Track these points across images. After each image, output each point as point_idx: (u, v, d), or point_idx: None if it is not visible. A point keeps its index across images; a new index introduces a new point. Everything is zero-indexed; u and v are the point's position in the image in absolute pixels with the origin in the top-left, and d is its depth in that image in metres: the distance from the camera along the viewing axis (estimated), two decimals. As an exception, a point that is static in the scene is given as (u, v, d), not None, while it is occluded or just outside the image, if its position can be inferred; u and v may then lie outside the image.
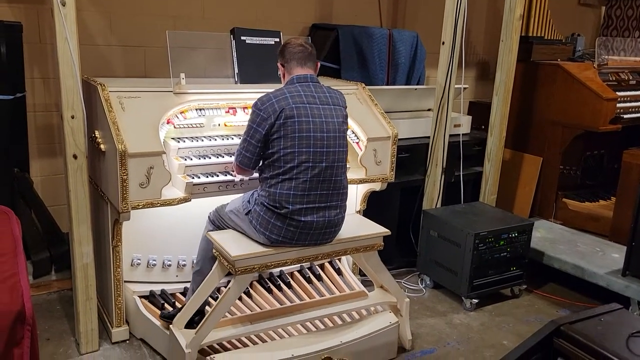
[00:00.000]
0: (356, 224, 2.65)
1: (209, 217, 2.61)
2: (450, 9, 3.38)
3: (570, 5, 5.42)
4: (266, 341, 2.53)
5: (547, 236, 3.76)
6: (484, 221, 3.32)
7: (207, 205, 2.66)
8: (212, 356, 2.32)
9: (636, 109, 4.10)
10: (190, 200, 2.50)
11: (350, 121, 2.70)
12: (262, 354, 2.38)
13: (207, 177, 2.59)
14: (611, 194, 4.34)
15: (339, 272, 3.12)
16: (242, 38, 2.86)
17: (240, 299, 2.79)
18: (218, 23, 3.55)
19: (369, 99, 3.15)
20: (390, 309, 2.77)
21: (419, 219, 3.58)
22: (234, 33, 2.85)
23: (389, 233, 2.62)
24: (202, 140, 2.71)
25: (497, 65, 3.71)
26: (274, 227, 2.32)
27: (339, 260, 3.17)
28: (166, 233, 2.79)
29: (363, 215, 3.02)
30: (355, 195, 3.12)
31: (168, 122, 2.63)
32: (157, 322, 2.59)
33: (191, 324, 2.47)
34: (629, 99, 4.10)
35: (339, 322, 2.73)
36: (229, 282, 2.38)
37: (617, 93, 3.92)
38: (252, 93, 2.82)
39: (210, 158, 2.66)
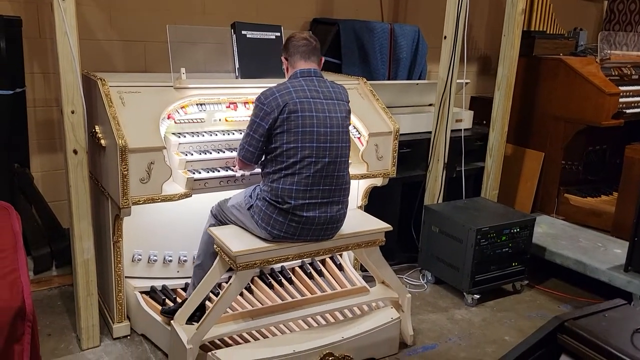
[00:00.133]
0: (358, 220, 2.64)
1: (211, 211, 2.60)
2: (452, 3, 3.36)
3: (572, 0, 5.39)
4: (267, 337, 2.53)
5: (548, 231, 3.75)
6: (486, 216, 3.31)
7: (208, 200, 2.66)
8: (213, 352, 2.31)
9: (638, 104, 4.08)
10: (191, 196, 2.50)
11: (351, 116, 2.69)
12: (264, 349, 2.38)
13: (208, 172, 2.58)
14: (613, 189, 4.32)
15: (340, 267, 3.11)
16: (243, 32, 2.85)
17: (241, 294, 2.78)
18: (218, 17, 3.53)
19: (371, 94, 3.13)
20: (392, 304, 2.76)
21: (420, 215, 3.57)
22: (234, 27, 2.84)
23: (391, 229, 2.61)
24: (203, 136, 2.69)
25: (499, 60, 3.69)
26: (276, 222, 2.31)
27: (340, 255, 3.16)
28: (167, 229, 2.78)
29: (364, 211, 3.01)
30: (357, 191, 3.11)
31: (169, 117, 2.61)
32: (158, 318, 2.59)
33: (192, 319, 2.47)
34: (631, 93, 4.08)
35: (341, 317, 2.72)
36: (230, 277, 2.37)
37: (620, 88, 3.90)
38: (253, 88, 2.81)
39: (211, 153, 2.65)
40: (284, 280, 2.97)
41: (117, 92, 2.50)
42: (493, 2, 4.84)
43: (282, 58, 2.49)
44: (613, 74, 4.14)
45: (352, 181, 2.54)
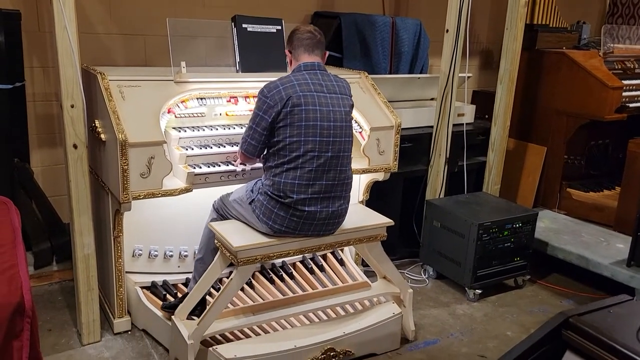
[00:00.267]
0: (359, 215, 2.63)
1: (213, 205, 2.59)
2: (454, -4, 3.33)
3: (575, -7, 5.36)
4: (269, 332, 2.52)
5: (551, 226, 3.74)
6: (488, 211, 3.30)
7: (208, 195, 2.64)
8: (214, 347, 2.30)
9: (642, 98, 4.06)
10: (191, 191, 2.48)
11: (353, 110, 2.67)
12: (265, 345, 2.37)
13: (209, 167, 2.56)
14: (616, 184, 4.31)
15: (341, 262, 3.10)
16: (244, 26, 2.82)
17: (242, 289, 2.77)
18: (219, 10, 3.51)
19: (372, 88, 3.11)
20: (394, 299, 2.75)
21: (422, 209, 3.55)
22: (235, 21, 2.81)
23: (393, 223, 2.60)
24: (204, 130, 2.68)
25: (501, 54, 3.67)
26: (277, 216, 2.29)
27: (342, 250, 3.15)
28: (168, 224, 2.77)
29: (366, 206, 2.99)
30: (358, 185, 3.09)
31: (169, 112, 2.60)
32: (159, 313, 2.58)
33: (193, 314, 2.46)
34: (634, 87, 4.06)
35: (342, 313, 2.71)
36: (231, 272, 2.36)
37: (623, 81, 3.87)
38: (254, 82, 2.79)
39: (211, 148, 2.63)
40: (285, 275, 2.96)
41: (117, 86, 2.48)
42: (495, -5, 4.81)
43: (286, 51, 2.47)
44: (616, 67, 4.11)
45: (353, 176, 2.52)
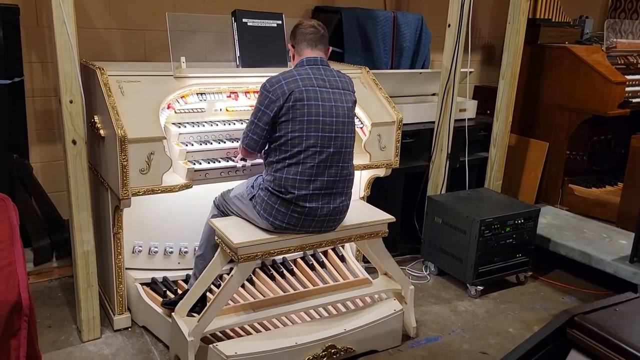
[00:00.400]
0: (360, 211, 2.61)
1: (213, 202, 2.58)
2: (456, -9, 3.30)
3: (578, -13, 5.31)
4: (269, 329, 2.51)
5: (553, 222, 3.72)
6: (490, 207, 3.28)
7: (208, 191, 2.63)
8: (214, 344, 2.29)
9: (645, 93, 4.03)
10: (191, 187, 2.46)
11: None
12: (265, 342, 2.36)
13: (209, 163, 2.54)
14: (618, 180, 4.28)
15: (342, 259, 3.08)
16: (244, 20, 2.79)
17: (242, 286, 2.75)
18: (219, 5, 3.48)
19: (373, 83, 3.09)
20: (395, 296, 2.74)
21: (423, 205, 3.53)
22: (235, 15, 2.79)
23: (394, 220, 2.58)
24: (204, 126, 2.66)
25: (503, 48, 3.64)
26: (278, 212, 2.28)
27: (342, 247, 3.13)
28: (167, 220, 2.76)
29: (367, 202, 2.98)
30: (359, 181, 3.07)
31: (168, 107, 2.57)
32: (159, 310, 2.56)
33: (193, 311, 2.45)
34: (637, 82, 4.02)
35: (343, 309, 2.70)
36: (231, 269, 2.34)
37: (626, 77, 3.84)
38: (254, 77, 2.77)
39: (211, 144, 2.62)
40: (285, 272, 2.95)
41: (116, 82, 2.46)
42: (497, -11, 4.77)
43: (289, 45, 2.46)
44: (619, 62, 4.08)
45: (354, 172, 2.50)
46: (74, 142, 2.38)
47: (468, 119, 3.68)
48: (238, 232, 2.31)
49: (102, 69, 2.45)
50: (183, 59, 2.62)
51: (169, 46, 2.60)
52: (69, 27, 2.25)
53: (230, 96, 2.75)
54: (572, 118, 3.99)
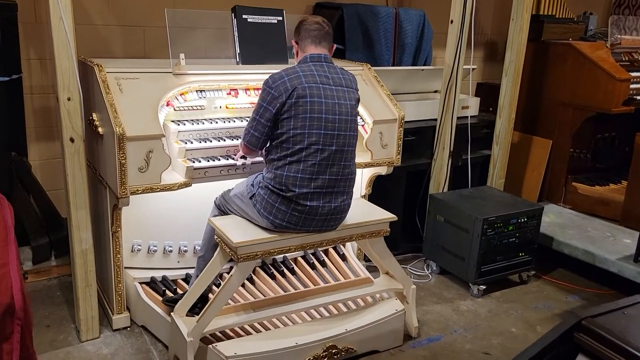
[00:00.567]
0: (362, 210, 2.58)
1: (214, 202, 2.55)
2: (459, -14, 3.26)
3: (581, -17, 5.27)
4: (269, 329, 2.48)
5: (556, 221, 3.68)
6: (492, 206, 3.25)
7: (208, 190, 2.60)
8: (214, 344, 2.26)
9: (649, 90, 3.99)
10: (190, 185, 2.43)
11: (355, 103, 2.62)
12: (265, 342, 2.33)
13: (208, 161, 2.51)
14: (622, 178, 4.25)
15: (343, 257, 3.05)
16: (244, 16, 2.76)
17: (242, 285, 2.73)
18: (219, 1, 3.43)
19: (375, 80, 3.05)
20: (396, 295, 2.71)
21: (425, 204, 3.50)
22: (235, 11, 2.75)
23: (396, 219, 2.55)
24: (203, 123, 2.63)
25: (506, 45, 3.60)
26: (278, 211, 2.25)
27: (344, 245, 3.10)
28: (167, 218, 2.73)
29: (368, 200, 2.95)
30: (361, 180, 3.04)
31: (168, 104, 2.55)
32: (158, 309, 2.54)
33: (193, 311, 2.42)
34: (642, 79, 3.99)
35: (344, 309, 2.67)
36: (231, 268, 2.32)
37: (630, 74, 3.80)
38: (255, 74, 2.74)
39: (211, 141, 2.59)
40: (286, 271, 2.92)
41: (115, 79, 2.43)
42: (500, -15, 4.73)
43: (293, 42, 2.43)
44: (623, 59, 4.05)
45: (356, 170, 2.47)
46: (71, 140, 2.35)
47: (470, 117, 3.65)
48: (238, 231, 2.28)
49: (100, 66, 2.42)
50: (182, 55, 2.59)
51: (168, 43, 2.56)
52: (66, 24, 2.22)
53: (230, 93, 2.72)
54: (575, 115, 3.95)
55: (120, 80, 2.44)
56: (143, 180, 2.32)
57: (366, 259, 3.15)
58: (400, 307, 2.63)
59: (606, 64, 3.77)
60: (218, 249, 2.34)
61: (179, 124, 2.57)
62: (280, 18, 2.86)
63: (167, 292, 2.65)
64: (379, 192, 3.13)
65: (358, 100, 2.41)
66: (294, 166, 2.23)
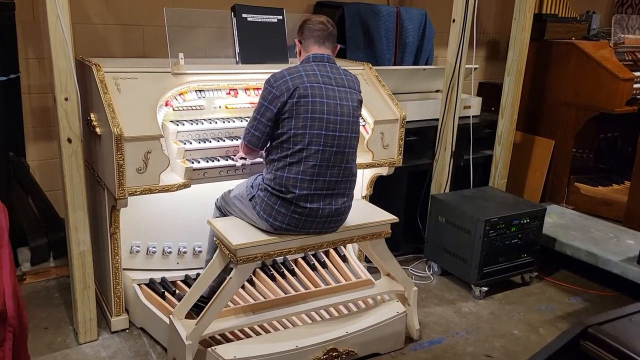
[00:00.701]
0: (363, 211, 2.55)
1: (215, 203, 2.52)
2: (461, -15, 3.23)
3: (584, -18, 5.23)
4: (269, 332, 2.46)
5: (559, 222, 3.65)
6: (495, 207, 3.22)
7: (207, 191, 2.57)
8: (213, 347, 2.24)
9: (653, 90, 3.96)
10: (189, 186, 2.41)
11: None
12: (265, 345, 2.30)
13: (208, 161, 2.49)
14: (625, 178, 4.23)
15: (344, 259, 3.03)
16: (244, 16, 2.73)
17: (242, 287, 2.70)
18: (218, 0, 3.41)
19: (376, 80, 3.03)
20: (398, 297, 2.68)
21: (426, 204, 3.48)
22: (234, 10, 2.72)
23: (397, 220, 2.52)
24: (202, 124, 2.60)
25: (509, 44, 3.57)
26: (278, 213, 2.22)
27: (344, 246, 3.07)
28: (166, 220, 2.70)
29: (369, 201, 2.92)
30: (362, 180, 3.01)
31: (166, 105, 2.52)
32: (157, 311, 2.51)
33: (197, 307, 2.41)
34: (645, 79, 3.95)
35: (345, 311, 2.65)
36: (230, 269, 2.29)
37: (634, 73, 3.77)
38: (254, 74, 2.71)
39: (210, 142, 2.56)
40: (286, 272, 2.89)
41: (113, 78, 2.40)
42: (502, -16, 4.69)
43: (296, 40, 2.40)
44: (627, 58, 4.02)
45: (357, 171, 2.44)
46: (69, 140, 2.32)
47: (472, 117, 3.62)
48: (237, 233, 2.25)
49: (98, 66, 2.39)
50: (181, 55, 2.56)
51: (167, 42, 2.53)
52: (63, 22, 2.19)
53: (229, 93, 2.69)
54: (578, 115, 3.92)
55: (119, 80, 2.41)
56: (141, 182, 2.29)
57: (367, 260, 3.13)
58: (401, 310, 2.60)
59: (609, 63, 3.74)
60: (217, 251, 2.32)
61: (177, 124, 2.55)
62: (281, 17, 2.83)
63: (166, 293, 2.63)
64: (380, 193, 3.11)
65: (360, 102, 2.38)
66: (294, 167, 2.21)
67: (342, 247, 3.06)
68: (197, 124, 2.58)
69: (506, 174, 3.74)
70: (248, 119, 2.36)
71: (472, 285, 3.16)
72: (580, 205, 4.01)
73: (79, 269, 2.47)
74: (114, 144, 2.21)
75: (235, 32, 2.71)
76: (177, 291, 2.65)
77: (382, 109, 2.88)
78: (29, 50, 3.04)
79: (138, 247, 2.69)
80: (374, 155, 2.84)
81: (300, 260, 3.01)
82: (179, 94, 2.56)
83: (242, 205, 2.35)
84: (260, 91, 2.34)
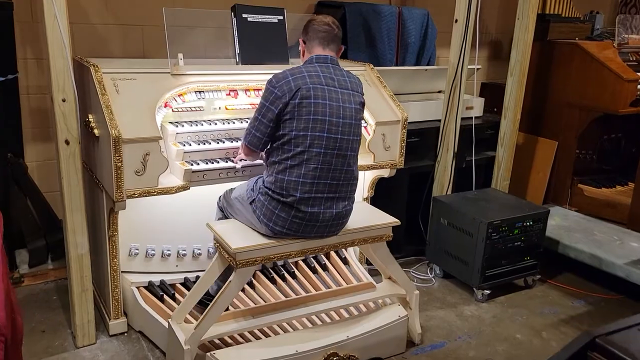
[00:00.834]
0: (364, 214, 2.52)
1: (217, 204, 2.49)
2: (464, -15, 3.20)
3: (587, -18, 5.19)
4: (269, 336, 2.43)
5: (562, 224, 3.62)
6: (497, 209, 3.18)
7: (207, 192, 2.54)
8: (212, 352, 2.21)
9: (657, 91, 3.92)
10: (189, 189, 2.38)
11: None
12: (265, 349, 2.27)
13: (207, 163, 2.46)
14: (629, 180, 4.18)
15: (345, 261, 3.00)
16: (244, 16, 2.70)
17: (242, 290, 2.67)
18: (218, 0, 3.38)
19: (378, 81, 2.99)
20: (399, 301, 2.65)
21: (428, 206, 3.45)
22: (235, 10, 2.69)
23: (399, 223, 2.49)
24: (202, 125, 2.57)
25: (512, 45, 3.54)
26: (279, 218, 2.19)
27: (345, 249, 3.04)
28: (165, 222, 2.67)
29: (370, 203, 2.89)
30: (363, 182, 2.98)
31: (165, 106, 2.49)
32: (156, 314, 2.49)
33: (202, 304, 2.39)
34: (649, 80, 3.91)
35: (346, 315, 2.61)
36: (231, 271, 2.26)
37: (638, 74, 3.73)
38: (255, 74, 2.68)
39: (210, 144, 2.53)
40: (287, 275, 2.86)
41: (111, 79, 2.38)
42: (505, -16, 4.66)
43: (300, 40, 2.36)
44: (631, 59, 3.97)
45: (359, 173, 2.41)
46: (66, 142, 2.30)
47: (475, 117, 3.59)
48: (237, 236, 2.22)
49: (96, 66, 2.36)
50: (181, 55, 2.54)
51: (166, 42, 2.50)
52: (60, 22, 2.16)
53: (229, 94, 2.66)
54: (582, 116, 3.89)
55: (117, 80, 2.39)
56: (140, 184, 2.27)
57: (368, 262, 3.10)
58: (403, 314, 2.57)
59: (613, 64, 3.70)
60: (216, 254, 2.29)
61: (177, 126, 2.52)
62: (281, 17, 2.80)
63: (165, 296, 2.60)
64: (381, 195, 3.07)
65: (363, 105, 2.34)
66: (295, 170, 2.17)
67: (343, 249, 3.03)
68: (197, 125, 2.56)
69: (509, 175, 3.71)
70: (248, 120, 2.33)
71: (474, 289, 3.13)
72: (583, 207, 3.97)
73: (76, 272, 2.45)
74: (112, 146, 2.18)
75: (236, 33, 2.68)
76: (176, 294, 2.62)
77: (383, 110, 2.85)
78: (28, 51, 3.01)
79: (137, 249, 2.66)
80: (376, 157, 2.81)
81: (301, 262, 2.98)
82: (178, 95, 2.53)
83: (243, 208, 2.33)
84: (260, 92, 2.31)
